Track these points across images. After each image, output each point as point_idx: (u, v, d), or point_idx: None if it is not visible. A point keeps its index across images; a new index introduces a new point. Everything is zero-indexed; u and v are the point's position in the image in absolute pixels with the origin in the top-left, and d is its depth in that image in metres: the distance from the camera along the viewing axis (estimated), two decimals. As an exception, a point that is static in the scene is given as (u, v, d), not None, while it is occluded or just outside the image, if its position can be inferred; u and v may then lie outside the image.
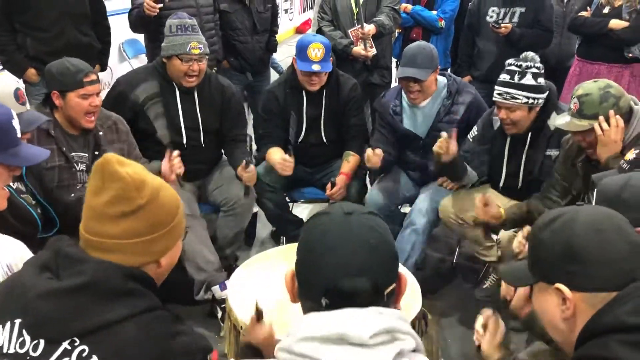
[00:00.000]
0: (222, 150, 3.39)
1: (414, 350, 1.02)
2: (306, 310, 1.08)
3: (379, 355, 0.96)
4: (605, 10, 3.97)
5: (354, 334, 0.96)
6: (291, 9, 11.20)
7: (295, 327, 1.03)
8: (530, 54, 2.72)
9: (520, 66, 2.67)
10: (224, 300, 2.85)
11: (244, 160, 3.00)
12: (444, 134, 2.83)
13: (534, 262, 1.23)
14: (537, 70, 2.67)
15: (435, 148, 2.85)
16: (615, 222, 1.16)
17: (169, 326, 1.18)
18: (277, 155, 3.17)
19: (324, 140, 3.38)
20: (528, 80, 2.66)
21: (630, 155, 1.88)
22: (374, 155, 3.01)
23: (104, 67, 4.06)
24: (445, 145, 2.81)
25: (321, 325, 0.99)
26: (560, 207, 1.26)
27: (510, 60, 2.73)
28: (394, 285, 1.08)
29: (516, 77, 2.67)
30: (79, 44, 3.68)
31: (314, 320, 1.02)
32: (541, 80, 2.69)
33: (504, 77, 2.71)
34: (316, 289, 1.04)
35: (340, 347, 0.97)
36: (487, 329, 1.70)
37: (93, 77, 2.60)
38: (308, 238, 1.10)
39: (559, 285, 1.14)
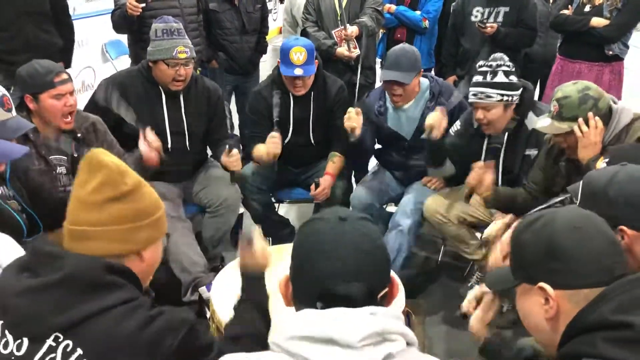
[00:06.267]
0: (207, 152, 3.38)
1: (408, 344, 1.04)
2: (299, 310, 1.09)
3: (366, 357, 0.98)
4: (587, 8, 4.00)
5: (343, 338, 0.98)
6: (275, 9, 11.17)
7: (286, 323, 1.05)
8: (499, 54, 2.78)
9: (490, 66, 2.73)
10: None
11: (227, 146, 2.99)
12: (438, 108, 2.93)
13: (516, 264, 1.25)
14: (507, 68, 2.72)
15: (429, 121, 2.92)
16: (592, 220, 1.19)
17: (149, 311, 1.20)
18: (263, 147, 3.12)
19: (312, 141, 3.38)
20: (500, 78, 2.71)
21: (601, 164, 1.91)
22: (356, 115, 3.02)
23: (68, 65, 4.03)
24: (440, 119, 2.89)
25: (311, 326, 1.01)
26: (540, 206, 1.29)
27: (481, 62, 2.79)
28: (386, 289, 1.11)
29: (488, 77, 2.72)
30: (38, 43, 3.63)
31: (305, 319, 1.03)
32: (513, 78, 2.74)
33: (477, 78, 2.76)
34: (311, 293, 1.06)
35: (328, 348, 0.98)
36: (479, 303, 1.70)
37: (64, 76, 2.53)
38: (303, 244, 1.12)
39: (541, 284, 1.16)
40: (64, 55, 3.92)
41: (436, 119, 2.90)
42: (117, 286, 1.19)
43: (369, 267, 1.07)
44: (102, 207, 1.22)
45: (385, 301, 1.12)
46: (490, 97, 2.72)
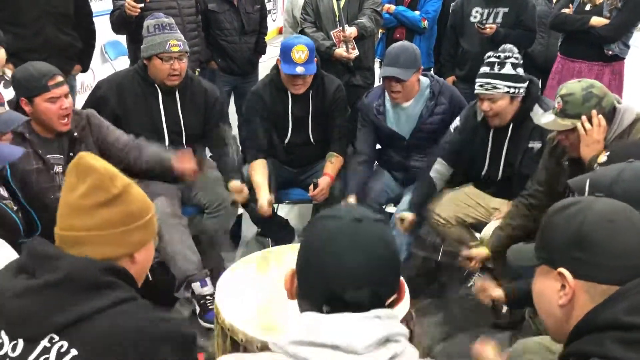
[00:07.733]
0: (206, 152, 3.37)
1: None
2: (303, 309, 1.06)
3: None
4: (587, 7, 4.01)
5: (348, 346, 0.95)
6: (274, 9, 11.17)
7: (293, 327, 1.02)
8: (509, 45, 2.78)
9: (499, 57, 2.73)
10: (203, 297, 2.89)
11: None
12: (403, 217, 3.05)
13: (542, 244, 1.22)
14: (515, 61, 2.72)
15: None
16: (629, 216, 1.15)
17: (147, 314, 1.18)
18: (262, 191, 3.13)
19: (312, 140, 3.37)
20: (507, 70, 2.71)
21: (602, 157, 1.90)
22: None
23: (85, 68, 4.03)
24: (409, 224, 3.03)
25: (317, 332, 0.98)
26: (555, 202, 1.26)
27: (490, 53, 2.79)
28: (395, 295, 1.08)
29: (496, 68, 2.72)
30: (58, 43, 3.64)
31: (309, 324, 1.00)
32: (520, 70, 2.74)
33: (484, 69, 2.76)
34: (318, 294, 1.03)
35: (332, 352, 0.96)
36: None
37: (58, 79, 2.52)
38: (314, 241, 1.07)
39: (562, 269, 1.14)
40: (82, 58, 3.93)
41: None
42: (114, 287, 1.17)
43: (381, 274, 1.02)
44: (93, 212, 1.20)
45: (393, 306, 1.08)
46: (496, 88, 2.71)
